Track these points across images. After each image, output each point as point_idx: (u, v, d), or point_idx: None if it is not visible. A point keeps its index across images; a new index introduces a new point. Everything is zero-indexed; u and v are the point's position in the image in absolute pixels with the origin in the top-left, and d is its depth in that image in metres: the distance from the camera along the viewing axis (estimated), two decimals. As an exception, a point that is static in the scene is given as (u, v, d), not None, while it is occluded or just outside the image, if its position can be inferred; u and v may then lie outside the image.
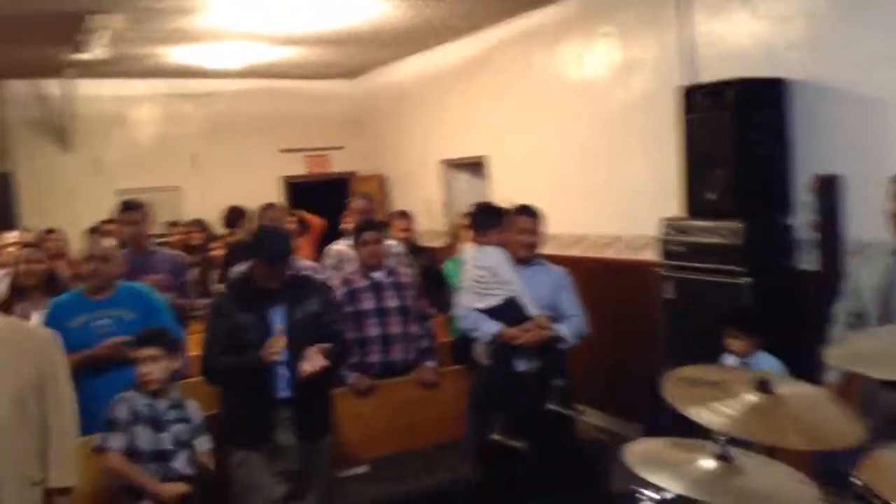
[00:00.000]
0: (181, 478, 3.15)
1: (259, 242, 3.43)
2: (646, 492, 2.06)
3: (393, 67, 9.03)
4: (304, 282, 3.57)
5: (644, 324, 5.13)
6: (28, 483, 2.87)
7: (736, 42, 4.80)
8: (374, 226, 4.61)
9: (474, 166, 7.86)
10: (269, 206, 5.79)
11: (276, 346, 3.23)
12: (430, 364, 4.44)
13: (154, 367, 3.14)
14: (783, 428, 1.89)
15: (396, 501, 3.87)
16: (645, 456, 1.88)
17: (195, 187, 9.06)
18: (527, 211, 3.99)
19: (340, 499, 3.69)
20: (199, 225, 7.44)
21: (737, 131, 4.39)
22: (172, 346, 3.34)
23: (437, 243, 7.35)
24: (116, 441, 3.09)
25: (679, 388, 2.05)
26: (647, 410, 5.00)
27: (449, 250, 6.41)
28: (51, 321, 3.70)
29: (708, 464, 1.84)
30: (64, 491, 2.94)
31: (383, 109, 9.50)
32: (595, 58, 6.04)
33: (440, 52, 8.05)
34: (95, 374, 3.52)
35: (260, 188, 9.00)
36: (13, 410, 2.84)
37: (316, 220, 7.71)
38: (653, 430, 4.56)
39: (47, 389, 2.94)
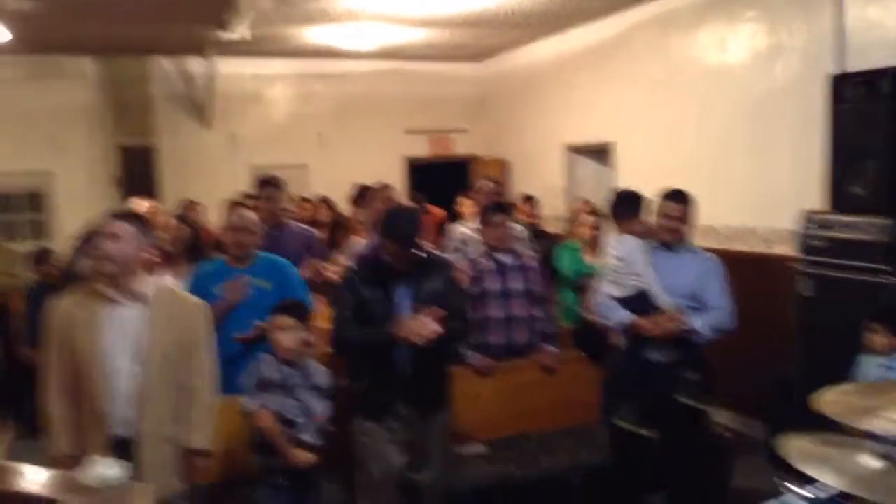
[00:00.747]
0: (308, 447, 3.26)
1: (391, 223, 3.48)
2: (796, 488, 1.97)
3: (521, 50, 8.98)
4: (430, 260, 3.62)
5: (775, 321, 4.93)
6: (166, 442, 3.05)
7: (892, 28, 4.50)
8: (502, 208, 4.61)
9: (600, 152, 7.74)
10: (385, 187, 5.91)
11: (422, 330, 3.28)
12: (550, 348, 4.42)
13: (287, 335, 3.25)
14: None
15: (513, 483, 3.89)
16: (802, 451, 1.80)
17: (321, 165, 9.34)
18: (674, 196, 3.84)
19: (458, 475, 3.73)
20: (326, 202, 7.67)
21: (892, 123, 4.12)
22: (305, 317, 3.44)
23: (558, 229, 7.29)
24: (262, 399, 3.23)
25: (841, 400, 1.95)
26: (774, 410, 4.82)
27: (568, 237, 6.36)
28: (195, 287, 3.89)
29: (870, 462, 1.74)
30: (203, 453, 3.12)
31: (509, 93, 9.47)
32: (738, 43, 5.80)
33: (571, 36, 7.94)
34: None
35: (383, 168, 9.17)
36: (160, 371, 3.01)
37: (437, 211, 7.79)
38: (780, 430, 4.41)
39: (192, 354, 3.11)
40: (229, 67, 8.66)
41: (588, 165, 8.19)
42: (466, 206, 6.55)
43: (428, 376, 3.46)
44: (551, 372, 4.41)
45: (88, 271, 4.18)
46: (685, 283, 3.75)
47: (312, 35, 7.69)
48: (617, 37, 7.24)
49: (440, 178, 9.28)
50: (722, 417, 5.52)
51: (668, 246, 3.80)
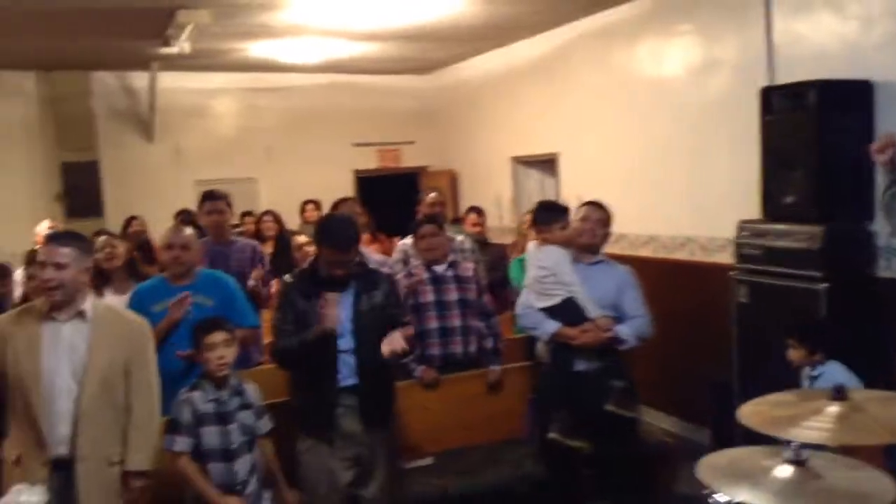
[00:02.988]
0: (242, 482, 3.18)
1: (326, 228, 3.49)
2: (719, 497, 2.03)
3: (467, 63, 9.06)
4: (370, 273, 3.64)
5: (715, 328, 5.05)
6: (106, 462, 3.02)
7: (818, 43, 4.67)
8: (432, 219, 4.66)
9: (545, 163, 7.84)
10: (344, 201, 5.91)
11: (331, 311, 3.25)
12: (494, 367, 4.45)
13: (228, 350, 3.19)
14: (865, 426, 1.88)
15: (460, 494, 3.91)
16: (719, 470, 1.87)
17: (270, 179, 9.28)
18: (593, 203, 4.00)
19: (405, 489, 3.74)
20: (272, 215, 7.62)
21: (818, 133, 4.27)
22: (232, 333, 3.34)
23: (506, 240, 7.36)
24: (183, 444, 3.12)
25: (757, 412, 2.04)
26: (714, 414, 4.94)
27: (516, 248, 6.43)
28: (135, 305, 3.85)
29: (784, 470, 1.82)
30: (141, 474, 3.08)
31: (455, 105, 9.54)
32: (673, 56, 5.95)
33: (515, 49, 8.04)
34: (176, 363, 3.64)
35: (332, 181, 9.16)
36: (100, 391, 2.99)
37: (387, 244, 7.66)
38: (720, 434, 4.52)
39: (134, 374, 3.09)
40: (172, 81, 8.55)
41: (534, 176, 8.29)
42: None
43: (372, 390, 3.47)
44: (497, 390, 4.45)
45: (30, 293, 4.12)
46: (606, 293, 3.86)
47: (256, 49, 7.66)
48: (560, 49, 7.36)
49: (390, 191, 9.30)
50: (665, 423, 5.64)
51: (586, 255, 3.90)
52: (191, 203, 7.57)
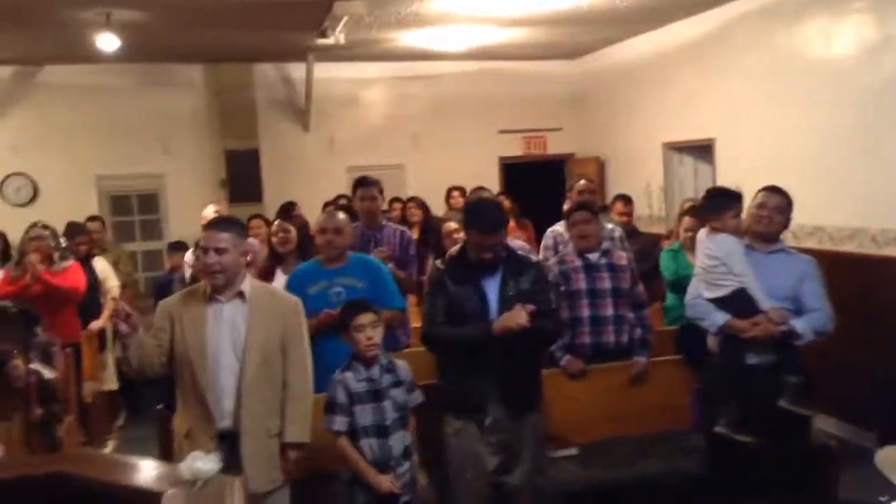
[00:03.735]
0: (397, 458, 3.25)
1: (474, 212, 3.50)
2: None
3: (618, 46, 8.84)
4: (519, 258, 3.61)
5: (884, 325, 4.68)
6: (266, 435, 3.17)
7: None
8: (585, 206, 4.56)
9: (700, 150, 7.53)
10: (480, 188, 5.97)
11: (514, 321, 3.27)
12: (641, 358, 4.32)
13: (375, 331, 3.26)
14: None
15: (606, 486, 3.83)
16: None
17: (417, 166, 9.45)
18: (772, 189, 3.73)
19: (550, 477, 3.71)
20: (417, 202, 7.75)
21: None
22: (379, 314, 3.38)
23: (655, 229, 7.14)
24: (341, 423, 3.21)
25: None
26: (882, 415, 4.59)
27: (667, 237, 6.22)
28: (292, 287, 4.02)
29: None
30: (298, 446, 3.21)
31: (605, 90, 9.33)
32: (844, 35, 5.54)
33: (669, 30, 7.76)
34: (327, 340, 3.75)
35: (478, 168, 9.22)
36: (260, 367, 3.15)
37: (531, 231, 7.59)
38: (887, 436, 4.18)
39: (289, 350, 3.23)
40: (327, 72, 8.86)
41: (687, 163, 7.98)
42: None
43: (520, 377, 3.46)
44: (642, 381, 4.32)
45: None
46: (783, 284, 3.61)
47: (406, 38, 7.79)
48: (718, 30, 7.02)
49: (535, 179, 9.24)
50: (827, 425, 5.30)
51: (763, 244, 3.68)
52: (343, 189, 7.85)
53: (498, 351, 3.34)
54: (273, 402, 3.20)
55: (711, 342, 3.84)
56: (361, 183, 5.01)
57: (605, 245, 4.47)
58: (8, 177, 8.50)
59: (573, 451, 4.01)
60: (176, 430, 3.29)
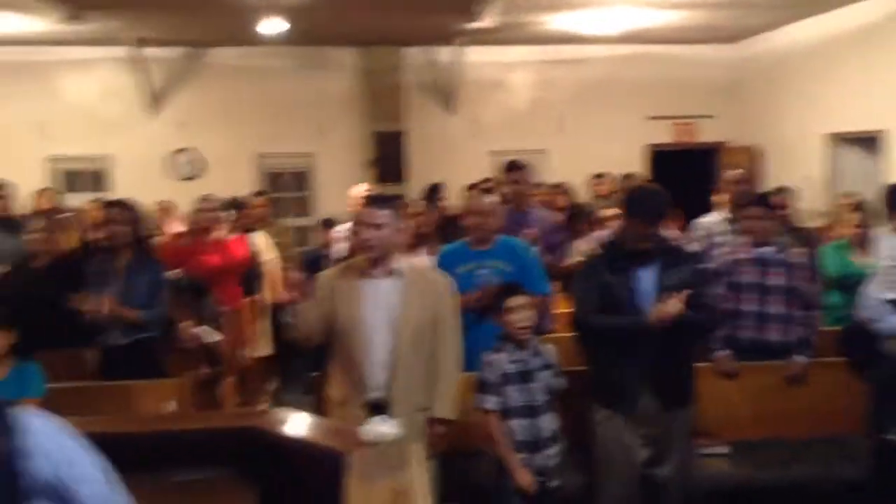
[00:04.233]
0: (546, 440, 3.25)
1: (635, 199, 3.41)
2: None
3: (778, 32, 8.39)
4: (675, 249, 3.51)
5: None
6: (415, 408, 3.23)
7: None
8: (762, 198, 4.34)
9: (867, 142, 7.04)
10: (631, 176, 5.82)
11: (669, 310, 3.19)
12: (801, 359, 4.09)
13: (527, 314, 3.27)
14: None
15: (756, 487, 3.69)
16: None
17: (561, 151, 9.36)
18: None
19: (699, 474, 3.60)
20: (562, 188, 7.68)
21: None
22: (531, 298, 3.41)
23: (816, 224, 6.75)
24: (493, 402, 3.24)
25: None
26: None
27: (828, 233, 5.86)
28: (440, 267, 4.08)
29: None
30: (445, 422, 3.27)
31: (762, 76, 8.89)
32: None
33: (836, 15, 7.29)
34: (474, 320, 3.79)
35: (624, 155, 9.03)
36: (411, 343, 3.21)
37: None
38: None
39: (439, 328, 3.27)
40: (474, 56, 8.92)
41: (853, 156, 7.49)
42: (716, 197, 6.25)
43: (672, 369, 3.37)
44: (799, 382, 4.10)
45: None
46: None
47: (556, 21, 7.71)
48: (890, 16, 6.52)
49: (683, 167, 8.94)
50: None
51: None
52: (485, 173, 7.88)
53: (651, 342, 3.27)
54: (423, 377, 3.25)
55: (890, 346, 3.59)
56: (512, 166, 5.01)
57: (780, 240, 4.24)
58: (176, 152, 9.09)
59: (724, 448, 3.87)
60: (329, 398, 3.42)
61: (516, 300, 3.27)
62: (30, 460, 0.93)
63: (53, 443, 0.97)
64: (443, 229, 4.93)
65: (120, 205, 4.36)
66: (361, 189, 6.19)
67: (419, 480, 1.80)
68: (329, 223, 7.10)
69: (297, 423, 2.01)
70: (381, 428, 2.06)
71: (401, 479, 1.74)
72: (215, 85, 8.96)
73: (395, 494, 1.62)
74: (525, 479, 3.16)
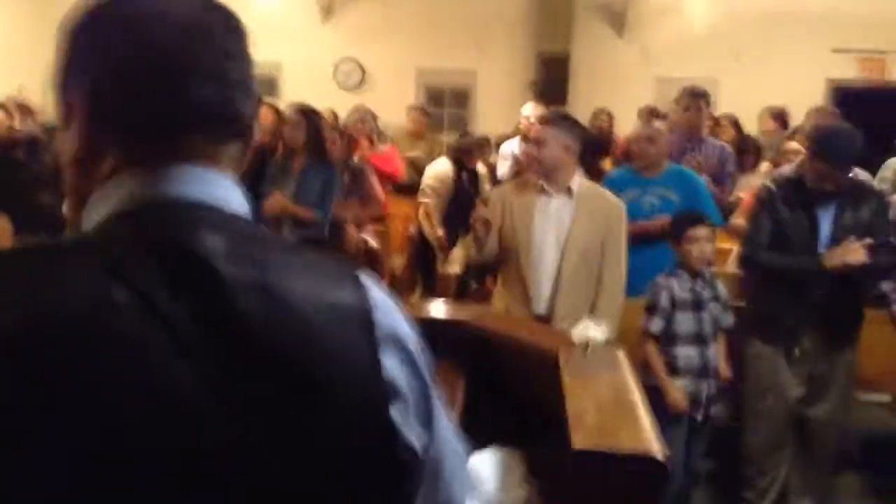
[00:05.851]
0: (714, 369, 3.27)
1: (826, 141, 3.28)
2: None
3: None
4: (859, 185, 3.36)
5: None
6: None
7: None
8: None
9: None
10: (821, 110, 5.47)
11: (850, 257, 3.10)
12: None
13: (709, 246, 3.27)
14: None
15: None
16: None
17: (732, 82, 8.92)
18: None
19: (857, 420, 3.53)
20: (730, 120, 7.36)
21: None
22: (714, 229, 3.41)
23: None
24: (656, 325, 3.28)
25: None
26: None
27: None
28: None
29: None
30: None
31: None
32: None
33: None
34: (641, 246, 3.80)
35: (801, 90, 8.47)
36: (578, 261, 3.28)
37: None
38: None
39: (608, 251, 3.33)
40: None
41: None
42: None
43: (841, 311, 3.29)
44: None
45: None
46: None
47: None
48: None
49: (872, 108, 8.29)
50: None
51: None
52: (649, 100, 7.67)
53: (822, 283, 3.19)
54: (587, 296, 3.32)
55: None
56: (689, 93, 4.89)
57: None
58: (340, 61, 9.38)
59: (886, 397, 3.77)
60: (494, 308, 3.57)
61: (700, 231, 3.28)
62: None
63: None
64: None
65: (299, 109, 4.62)
66: (528, 109, 6.22)
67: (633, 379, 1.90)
68: (481, 143, 7.15)
69: (505, 322, 2.14)
70: (591, 332, 2.18)
71: (615, 375, 1.84)
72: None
73: (615, 390, 1.72)
74: (680, 401, 3.21)
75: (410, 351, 0.79)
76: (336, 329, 0.73)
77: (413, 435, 0.76)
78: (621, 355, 2.06)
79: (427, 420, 0.79)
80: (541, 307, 3.33)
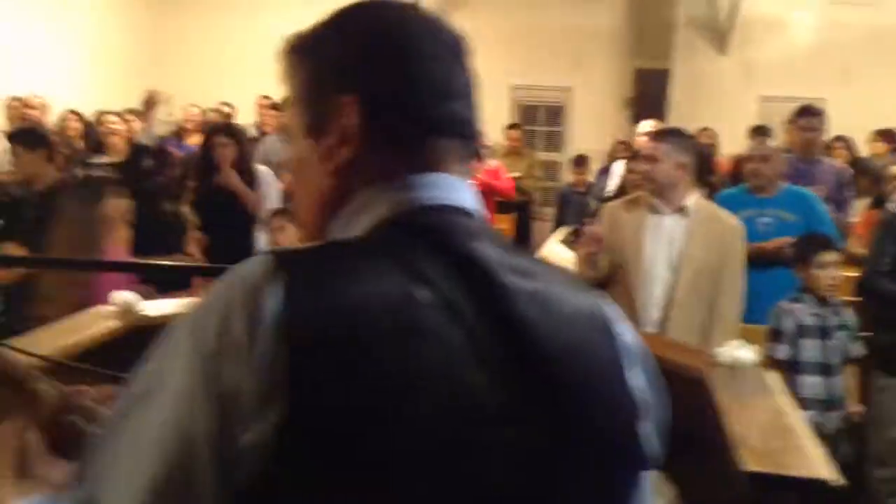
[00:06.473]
0: (840, 400, 3.12)
1: None
2: None
3: None
4: None
5: None
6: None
7: None
8: None
9: None
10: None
11: None
12: None
13: (838, 272, 3.13)
14: None
15: None
16: None
17: (842, 103, 8.53)
18: None
19: None
20: (844, 142, 7.06)
21: None
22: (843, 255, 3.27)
23: None
24: (782, 351, 3.14)
25: None
26: None
27: None
28: (719, 210, 3.95)
29: None
30: None
31: None
32: None
33: None
34: (757, 269, 3.64)
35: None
36: (692, 284, 3.14)
37: None
38: None
39: (724, 272, 3.17)
40: (756, -8, 8.33)
41: None
42: None
43: None
44: None
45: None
46: None
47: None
48: None
49: None
50: None
51: None
52: (752, 119, 7.43)
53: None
54: (699, 320, 3.16)
55: None
56: (804, 112, 4.68)
57: None
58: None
59: None
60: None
61: (829, 255, 3.14)
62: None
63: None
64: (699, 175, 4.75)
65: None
66: (645, 126, 6.07)
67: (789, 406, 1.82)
68: (581, 160, 7.07)
69: (654, 341, 2.07)
70: (739, 353, 2.09)
71: (771, 398, 1.76)
72: (482, 10, 9.06)
73: (773, 413, 1.64)
74: None
75: (645, 361, 0.81)
76: (593, 336, 0.76)
77: (653, 444, 0.79)
78: (772, 378, 1.96)
79: (659, 431, 0.82)
80: (648, 329, 3.21)
